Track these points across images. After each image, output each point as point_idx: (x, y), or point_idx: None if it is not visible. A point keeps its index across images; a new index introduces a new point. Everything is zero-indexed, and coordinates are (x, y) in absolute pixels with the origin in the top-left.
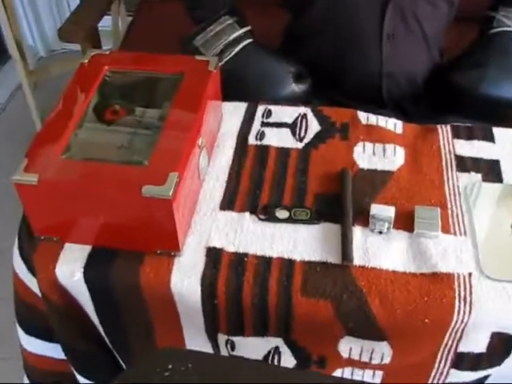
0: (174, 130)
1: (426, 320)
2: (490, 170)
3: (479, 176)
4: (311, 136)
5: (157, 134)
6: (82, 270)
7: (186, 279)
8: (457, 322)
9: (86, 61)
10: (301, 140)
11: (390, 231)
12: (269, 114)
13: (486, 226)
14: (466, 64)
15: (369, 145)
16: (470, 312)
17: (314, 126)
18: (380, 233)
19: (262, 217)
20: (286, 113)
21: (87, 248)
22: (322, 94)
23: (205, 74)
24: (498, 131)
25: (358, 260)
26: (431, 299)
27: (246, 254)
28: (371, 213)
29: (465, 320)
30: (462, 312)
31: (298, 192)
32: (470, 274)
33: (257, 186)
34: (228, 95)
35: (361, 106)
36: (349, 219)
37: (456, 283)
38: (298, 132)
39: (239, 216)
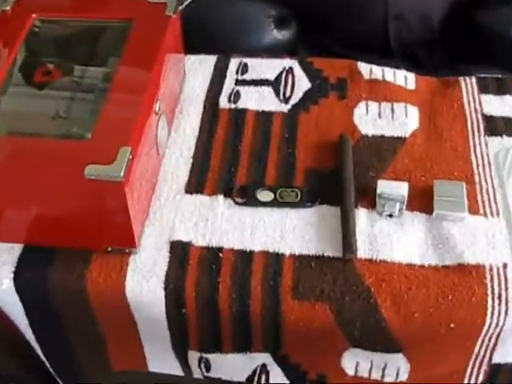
0: (124, 93)
1: (452, 325)
2: None
3: None
4: (299, 96)
5: (101, 99)
6: (12, 275)
7: (144, 283)
8: (490, 325)
9: (8, 8)
10: (286, 101)
11: (402, 214)
12: (245, 68)
13: None
14: (494, 0)
15: (373, 105)
16: (506, 313)
17: (302, 83)
18: (390, 216)
19: (239, 200)
20: (266, 67)
21: (17, 248)
22: (311, 41)
23: (161, 20)
24: None
25: (363, 252)
26: (457, 298)
27: (220, 249)
28: (378, 191)
29: (500, 323)
30: (496, 313)
31: (284, 167)
32: (505, 265)
33: (232, 161)
34: (192, 47)
35: (362, 55)
36: (350, 200)
37: (488, 277)
38: (282, 91)
39: (210, 200)
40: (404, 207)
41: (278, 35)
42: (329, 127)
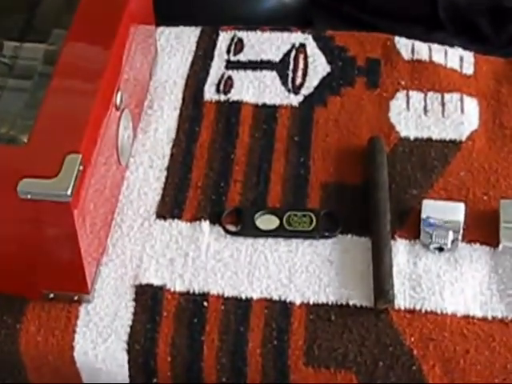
0: (72, 80)
1: None
2: None
3: None
4: (314, 83)
5: (42, 88)
6: None
7: (100, 343)
8: None
9: None
10: (296, 91)
11: (457, 246)
12: (239, 46)
13: None
14: None
15: (417, 96)
16: None
17: (318, 66)
18: (440, 250)
19: (231, 228)
20: (268, 43)
21: None
22: (330, 8)
23: None
24: None
25: (402, 300)
26: None
27: (205, 295)
28: (423, 215)
29: None
30: None
31: (293, 183)
32: None
33: (221, 174)
34: (167, 16)
35: (400, 27)
36: (385, 228)
37: None
38: (290, 77)
39: (192, 228)
40: (459, 237)
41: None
42: (355, 127)
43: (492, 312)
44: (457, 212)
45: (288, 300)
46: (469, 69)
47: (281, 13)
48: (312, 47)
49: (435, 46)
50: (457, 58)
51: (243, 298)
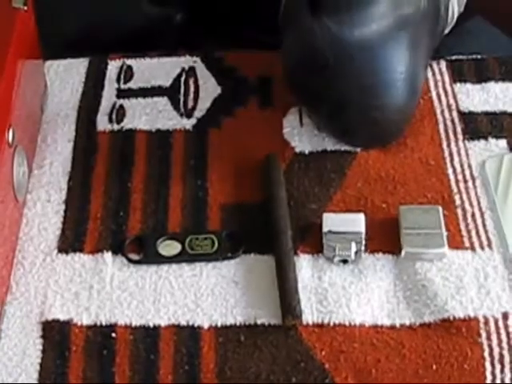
0: None
1: None
2: None
3: (504, 143)
4: (206, 106)
5: None
6: None
7: (11, 382)
8: None
9: None
10: (189, 115)
11: (360, 257)
12: (128, 73)
13: None
14: None
15: None
16: None
17: (209, 88)
18: (344, 262)
19: (134, 257)
20: (157, 69)
21: None
22: (220, 26)
23: (7, 14)
24: None
25: (310, 315)
26: (444, 368)
27: (112, 326)
28: (324, 229)
29: None
30: (498, 381)
31: (192, 207)
32: (505, 316)
33: (120, 204)
34: (52, 47)
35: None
36: (286, 244)
37: (483, 334)
38: (182, 101)
39: (94, 260)
40: (362, 248)
41: (152, 9)
42: (250, 147)
43: (400, 319)
44: (357, 223)
45: (196, 324)
46: None
47: (150, 26)
48: (201, 69)
49: None
50: None
51: (151, 326)
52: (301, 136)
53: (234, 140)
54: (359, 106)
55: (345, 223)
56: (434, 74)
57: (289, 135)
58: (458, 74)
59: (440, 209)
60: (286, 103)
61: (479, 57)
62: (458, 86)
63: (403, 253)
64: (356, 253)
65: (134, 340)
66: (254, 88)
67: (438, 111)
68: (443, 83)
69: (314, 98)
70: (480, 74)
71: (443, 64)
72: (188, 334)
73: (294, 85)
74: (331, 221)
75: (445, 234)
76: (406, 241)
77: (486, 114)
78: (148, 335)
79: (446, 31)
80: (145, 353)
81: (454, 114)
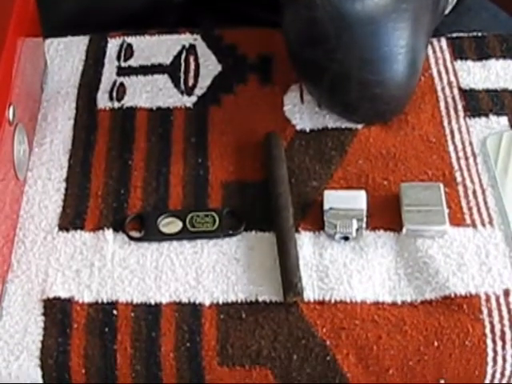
0: None
1: (442, 381)
2: None
3: (505, 120)
4: (207, 83)
5: None
6: None
7: (13, 360)
8: (494, 376)
9: None
10: (189, 92)
11: (361, 234)
12: (129, 51)
13: None
14: None
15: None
16: None
17: (210, 66)
18: (345, 239)
19: (135, 235)
20: (158, 47)
21: None
22: (220, 3)
23: None
24: None
25: (311, 292)
26: (445, 344)
27: (114, 304)
28: (325, 206)
29: (506, 372)
30: (499, 359)
31: (193, 184)
32: (506, 292)
33: (121, 181)
34: (51, 26)
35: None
36: (288, 222)
37: (485, 311)
38: (182, 79)
39: (96, 238)
40: (364, 225)
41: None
42: (251, 123)
43: (401, 296)
44: (359, 200)
45: (197, 302)
46: None
47: (155, 7)
48: (202, 47)
49: None
50: None
51: (152, 303)
52: (301, 114)
53: (234, 118)
54: (360, 81)
55: (346, 200)
56: (434, 52)
57: (289, 113)
58: (459, 52)
59: (441, 186)
60: (287, 80)
61: (480, 34)
62: (458, 64)
63: (404, 230)
64: (357, 230)
65: (135, 317)
66: (255, 65)
67: (439, 88)
68: (444, 60)
69: (315, 71)
70: (481, 52)
71: (444, 41)
72: (189, 312)
73: (296, 58)
74: (332, 198)
75: (446, 211)
76: (407, 218)
77: (487, 91)
78: (149, 312)
79: (447, 11)
80: (146, 330)
81: (455, 91)
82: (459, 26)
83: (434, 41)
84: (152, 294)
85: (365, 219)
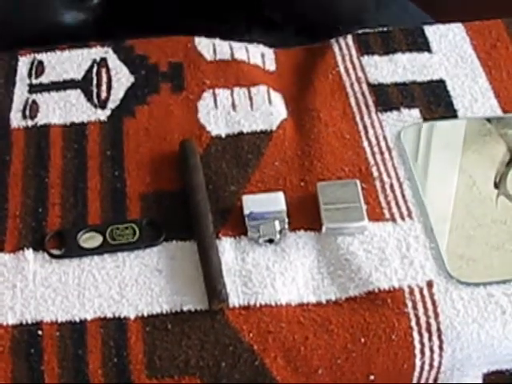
0: None
1: (371, 377)
2: (434, 99)
3: (416, 113)
4: (120, 96)
5: None
6: None
7: None
8: (422, 368)
9: None
10: (103, 106)
11: (285, 235)
12: (40, 68)
13: (445, 197)
14: None
15: (223, 93)
16: (440, 348)
17: (122, 78)
18: (270, 241)
19: (55, 252)
20: (69, 62)
21: None
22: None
23: None
24: (433, 31)
25: (236, 297)
26: (372, 340)
27: (38, 324)
28: (246, 211)
29: (435, 363)
30: (427, 351)
31: (111, 198)
32: (429, 284)
33: (38, 200)
34: None
35: (198, 26)
36: (208, 229)
37: (409, 304)
38: (95, 92)
39: (16, 258)
40: (286, 226)
41: (77, 15)
42: (166, 133)
43: (325, 295)
44: (278, 201)
45: (122, 316)
46: (271, 65)
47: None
48: (113, 60)
49: (236, 45)
50: (259, 55)
51: (77, 320)
52: (216, 119)
53: (149, 128)
54: None
55: (265, 203)
56: (340, 49)
57: (204, 119)
58: (365, 47)
59: (358, 182)
60: (199, 87)
61: (385, 29)
62: (365, 59)
63: (324, 229)
64: (280, 231)
65: (60, 336)
66: (166, 74)
67: (348, 85)
68: (350, 57)
69: None
70: (387, 46)
71: (349, 38)
72: (115, 326)
73: None
74: (251, 202)
75: (364, 207)
76: (326, 217)
77: (396, 84)
78: (74, 330)
79: None
80: (72, 348)
81: (364, 86)
82: (369, 22)
83: (340, 38)
84: (76, 312)
85: (286, 220)
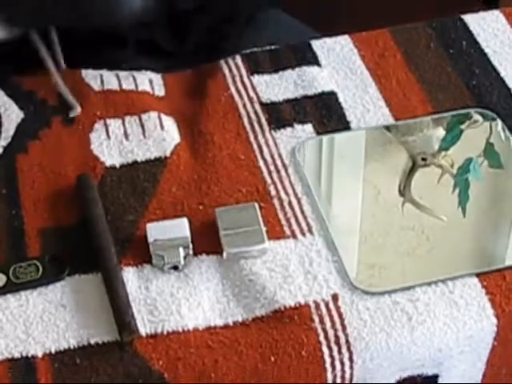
0: None
1: None
2: (326, 113)
3: (310, 127)
4: (11, 133)
5: None
6: None
7: None
8: (334, 381)
9: None
10: None
11: (190, 261)
12: None
13: (351, 209)
14: None
15: (114, 123)
16: (351, 360)
17: (11, 115)
18: (175, 268)
19: None
20: None
21: None
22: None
23: None
24: (320, 45)
25: (143, 327)
26: (282, 358)
27: None
28: (150, 239)
29: (346, 375)
30: (337, 364)
31: (10, 236)
32: (334, 297)
33: None
34: None
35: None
36: (111, 260)
37: (316, 318)
38: None
39: None
40: (190, 252)
41: None
42: (61, 167)
43: (232, 317)
44: (182, 228)
45: (30, 354)
46: (160, 90)
47: None
48: (1, 96)
49: (123, 74)
50: (146, 81)
51: None
52: (109, 150)
53: (43, 163)
54: None
55: (169, 230)
56: (230, 70)
57: (97, 150)
58: (255, 66)
59: (256, 205)
60: (91, 119)
61: (273, 47)
62: (256, 78)
63: (225, 254)
64: (185, 257)
65: None
66: (56, 108)
67: (240, 105)
68: (241, 77)
69: None
70: (276, 64)
71: (238, 59)
72: (23, 366)
73: None
74: (155, 230)
75: (264, 229)
76: (226, 242)
77: (288, 101)
78: None
79: None
80: None
81: (257, 106)
82: (259, 42)
83: (229, 59)
84: None
85: (191, 246)
